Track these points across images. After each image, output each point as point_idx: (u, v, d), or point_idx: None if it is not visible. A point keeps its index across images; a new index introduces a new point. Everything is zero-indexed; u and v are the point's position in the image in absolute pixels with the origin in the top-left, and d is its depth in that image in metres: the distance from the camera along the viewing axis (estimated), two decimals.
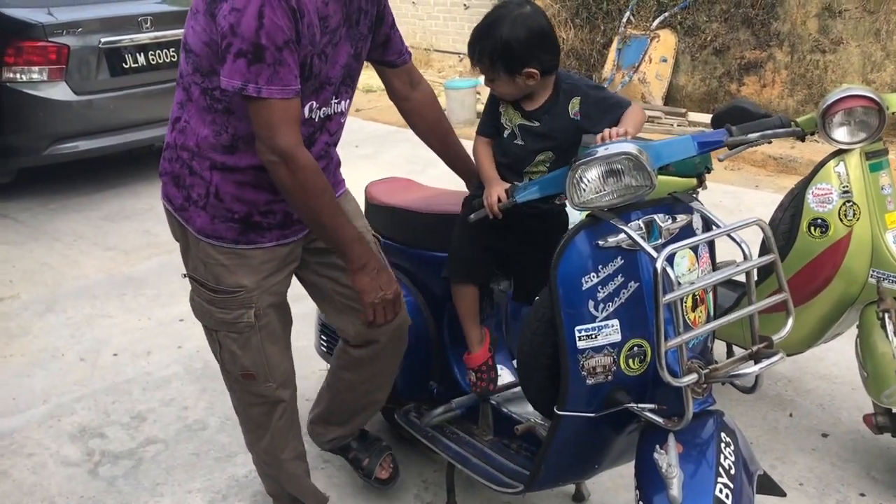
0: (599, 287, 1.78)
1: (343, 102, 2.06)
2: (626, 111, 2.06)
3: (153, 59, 5.74)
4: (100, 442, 3.02)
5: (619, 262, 1.80)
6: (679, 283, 1.69)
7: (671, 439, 1.75)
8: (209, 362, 3.56)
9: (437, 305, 2.51)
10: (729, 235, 1.77)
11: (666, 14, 8.08)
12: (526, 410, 2.34)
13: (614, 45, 8.33)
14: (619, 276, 1.80)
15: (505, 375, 2.50)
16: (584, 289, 1.77)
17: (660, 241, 1.83)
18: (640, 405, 1.81)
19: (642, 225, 1.81)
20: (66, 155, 5.54)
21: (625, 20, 8.30)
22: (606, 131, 1.87)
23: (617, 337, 1.80)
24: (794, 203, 2.62)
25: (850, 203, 2.52)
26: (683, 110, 7.71)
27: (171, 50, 5.81)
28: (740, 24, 7.80)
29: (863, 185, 2.53)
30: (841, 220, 2.52)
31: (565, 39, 8.73)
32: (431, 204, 2.54)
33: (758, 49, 7.72)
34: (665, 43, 8.06)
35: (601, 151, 1.76)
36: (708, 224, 1.93)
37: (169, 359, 3.62)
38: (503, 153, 2.16)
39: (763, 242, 2.59)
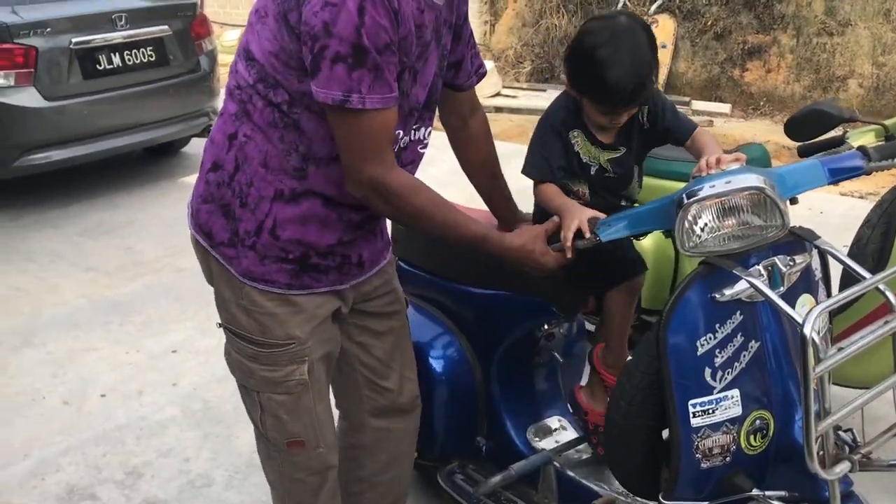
0: (717, 350, 1.46)
1: (422, 129, 1.74)
2: (698, 134, 1.83)
3: (129, 60, 5.31)
4: None
5: (738, 317, 1.48)
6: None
7: None
8: (209, 402, 3.21)
9: (485, 351, 2.17)
10: (877, 289, 1.44)
11: None
12: (594, 476, 2.02)
13: None
14: (739, 336, 1.48)
15: (563, 431, 2.17)
16: (699, 354, 1.45)
17: (781, 288, 1.50)
18: (766, 493, 1.48)
19: (763, 271, 1.48)
20: (37, 166, 5.11)
21: (620, 5, 7.97)
22: (713, 158, 1.53)
23: (738, 410, 1.48)
24: (883, 219, 2.30)
25: None
26: (687, 99, 7.42)
27: (148, 49, 5.38)
28: (742, 6, 7.50)
29: None
30: None
31: (557, 26, 8.39)
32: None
33: (761, 33, 7.43)
34: (664, 28, 7.73)
35: (719, 185, 1.42)
36: (825, 262, 1.62)
37: (164, 399, 3.25)
38: (597, 189, 1.89)
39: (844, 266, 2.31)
